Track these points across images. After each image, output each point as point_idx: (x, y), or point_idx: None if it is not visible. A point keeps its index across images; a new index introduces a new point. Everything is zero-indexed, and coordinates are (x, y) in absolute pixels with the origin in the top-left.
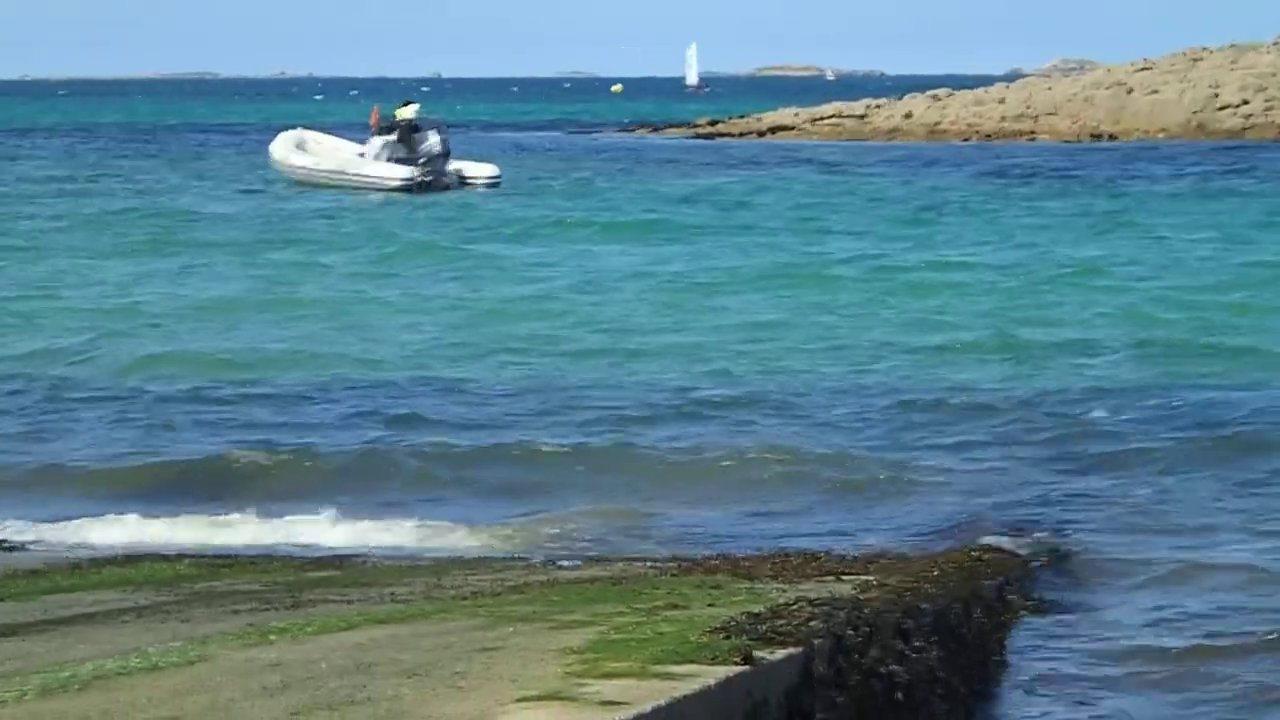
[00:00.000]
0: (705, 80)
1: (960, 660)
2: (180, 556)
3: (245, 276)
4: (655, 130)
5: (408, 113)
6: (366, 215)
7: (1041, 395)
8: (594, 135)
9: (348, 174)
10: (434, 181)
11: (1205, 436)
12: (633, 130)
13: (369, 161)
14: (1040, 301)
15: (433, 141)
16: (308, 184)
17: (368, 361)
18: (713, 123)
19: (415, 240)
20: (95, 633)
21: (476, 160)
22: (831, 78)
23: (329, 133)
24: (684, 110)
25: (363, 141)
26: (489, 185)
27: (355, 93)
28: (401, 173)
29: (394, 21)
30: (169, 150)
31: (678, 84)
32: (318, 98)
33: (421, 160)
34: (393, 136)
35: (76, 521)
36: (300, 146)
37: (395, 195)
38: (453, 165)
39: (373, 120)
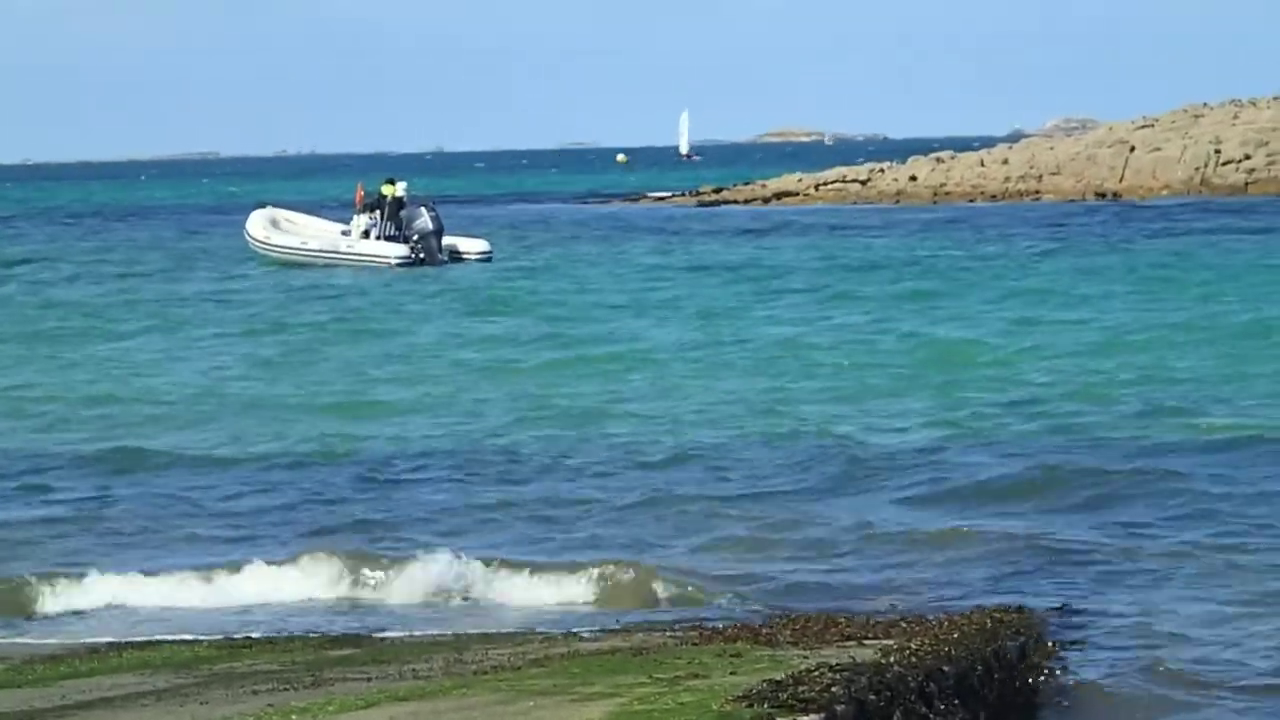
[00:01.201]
0: (697, 149)
1: None
2: (198, 639)
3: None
4: (660, 200)
5: (397, 190)
6: (379, 294)
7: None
8: (596, 205)
9: (340, 252)
10: (429, 258)
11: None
12: (637, 200)
13: (362, 240)
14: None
15: (425, 218)
16: (291, 264)
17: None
18: (717, 190)
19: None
20: (114, 717)
21: (468, 235)
22: (830, 142)
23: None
24: (682, 178)
25: (345, 220)
26: (480, 260)
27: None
28: (399, 250)
29: (395, 98)
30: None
31: (692, 150)
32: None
33: (414, 237)
34: (377, 214)
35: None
36: (275, 225)
37: (396, 272)
38: (446, 240)
39: (357, 198)
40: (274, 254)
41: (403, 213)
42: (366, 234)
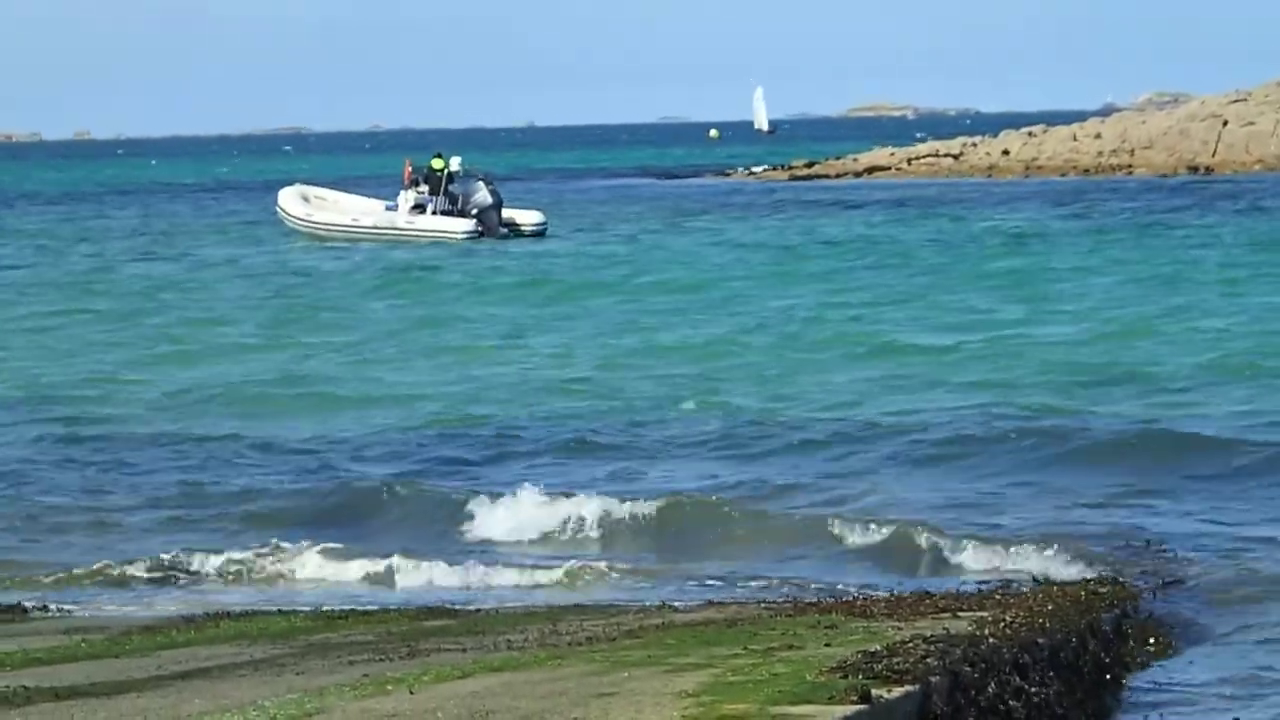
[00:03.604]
0: (783, 124)
1: (1078, 694)
2: (295, 610)
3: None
4: (751, 174)
5: (452, 165)
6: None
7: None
8: (683, 181)
9: (399, 228)
10: (488, 231)
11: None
12: (729, 175)
13: (420, 215)
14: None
15: (484, 192)
16: (336, 240)
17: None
18: (809, 164)
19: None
20: (211, 687)
21: (523, 208)
22: (913, 117)
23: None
24: (766, 153)
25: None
26: (535, 233)
27: (369, 146)
28: (465, 225)
29: (488, 72)
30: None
31: (771, 125)
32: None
33: (473, 211)
34: (425, 189)
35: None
36: (306, 201)
37: (462, 246)
38: (503, 213)
39: (405, 174)
40: (318, 231)
41: (453, 187)
42: (420, 209)
